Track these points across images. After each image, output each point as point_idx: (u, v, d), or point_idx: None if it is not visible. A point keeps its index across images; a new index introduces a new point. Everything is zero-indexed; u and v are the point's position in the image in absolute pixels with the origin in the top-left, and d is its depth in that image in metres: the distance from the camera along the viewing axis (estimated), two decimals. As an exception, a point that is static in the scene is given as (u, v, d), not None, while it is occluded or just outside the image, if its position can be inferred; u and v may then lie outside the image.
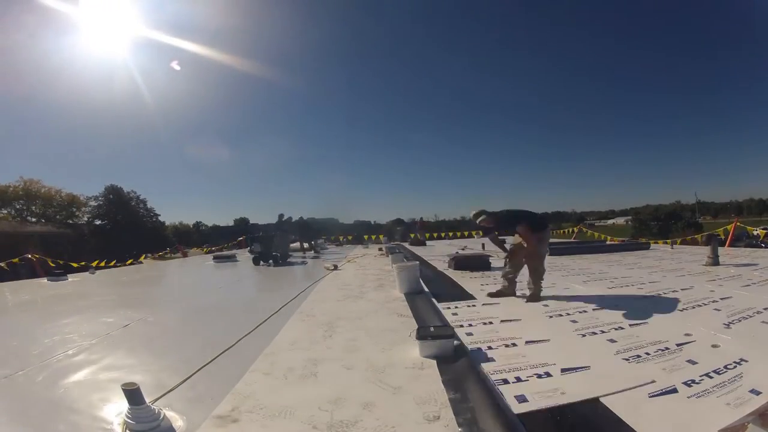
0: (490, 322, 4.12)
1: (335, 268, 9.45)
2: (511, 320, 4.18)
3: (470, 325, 4.06)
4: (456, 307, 4.83)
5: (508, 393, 2.48)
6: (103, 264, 15.12)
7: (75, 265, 14.01)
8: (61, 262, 13.94)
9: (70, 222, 43.56)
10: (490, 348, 3.33)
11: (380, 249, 15.03)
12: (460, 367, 2.87)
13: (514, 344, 3.41)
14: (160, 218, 47.64)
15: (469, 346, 3.34)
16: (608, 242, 13.59)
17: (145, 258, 22.69)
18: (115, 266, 15.56)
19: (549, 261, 9.45)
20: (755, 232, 14.42)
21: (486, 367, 2.91)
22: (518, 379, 2.69)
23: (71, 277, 10.46)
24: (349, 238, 24.53)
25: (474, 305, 4.95)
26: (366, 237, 24.36)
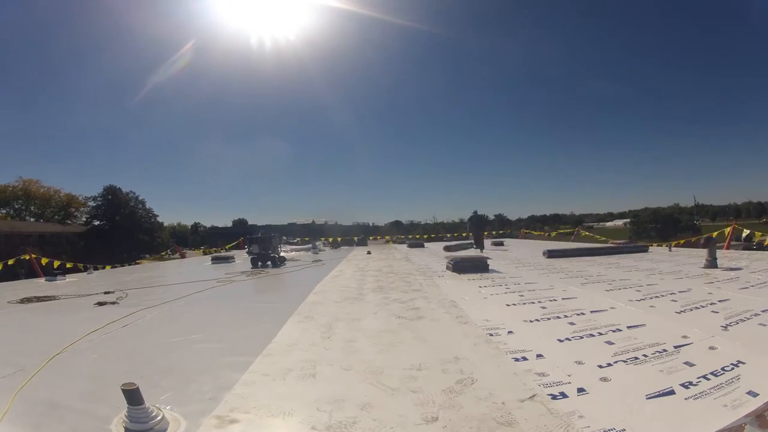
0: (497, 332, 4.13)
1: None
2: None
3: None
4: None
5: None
6: (101, 267, 15.08)
7: (70, 265, 13.96)
8: (58, 263, 13.90)
9: (69, 222, 43.52)
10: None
11: (368, 252, 15.99)
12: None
13: (524, 358, 3.42)
14: (158, 219, 47.62)
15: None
16: (609, 244, 13.52)
17: (143, 259, 22.68)
18: (113, 267, 15.53)
19: (547, 264, 9.53)
20: None
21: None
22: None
23: (69, 277, 10.44)
24: (355, 238, 24.72)
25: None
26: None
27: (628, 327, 3.81)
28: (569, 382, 2.64)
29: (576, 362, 2.99)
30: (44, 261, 13.12)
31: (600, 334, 3.66)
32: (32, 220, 42.41)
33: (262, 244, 11.74)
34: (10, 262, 12.95)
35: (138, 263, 19.80)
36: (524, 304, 5.08)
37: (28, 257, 13.15)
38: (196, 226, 72.48)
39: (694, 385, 2.54)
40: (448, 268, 8.68)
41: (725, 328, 3.71)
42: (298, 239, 24.40)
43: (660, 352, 3.12)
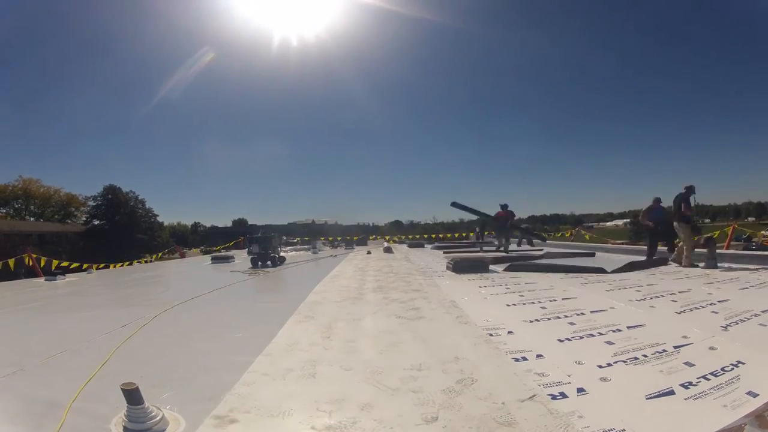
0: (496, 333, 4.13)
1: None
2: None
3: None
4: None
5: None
6: (101, 266, 15.08)
7: (65, 264, 13.95)
8: (56, 262, 13.90)
9: (69, 221, 43.59)
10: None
11: (369, 252, 15.91)
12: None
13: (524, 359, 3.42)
14: (158, 218, 47.73)
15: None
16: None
17: (142, 258, 22.69)
18: (112, 266, 15.54)
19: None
20: None
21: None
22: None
23: (69, 277, 10.44)
24: (355, 238, 24.60)
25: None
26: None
27: (628, 327, 3.80)
28: (569, 382, 2.64)
29: (576, 362, 2.99)
30: (43, 260, 13.13)
31: (600, 334, 3.66)
32: (32, 219, 42.46)
33: (262, 244, 11.74)
34: (11, 261, 12.93)
35: (141, 262, 19.83)
36: (524, 304, 5.08)
37: (27, 257, 13.13)
38: (196, 225, 72.62)
39: (694, 385, 2.54)
40: (447, 268, 8.69)
41: (725, 328, 3.71)
42: (298, 239, 24.34)
43: (660, 353, 3.12)
